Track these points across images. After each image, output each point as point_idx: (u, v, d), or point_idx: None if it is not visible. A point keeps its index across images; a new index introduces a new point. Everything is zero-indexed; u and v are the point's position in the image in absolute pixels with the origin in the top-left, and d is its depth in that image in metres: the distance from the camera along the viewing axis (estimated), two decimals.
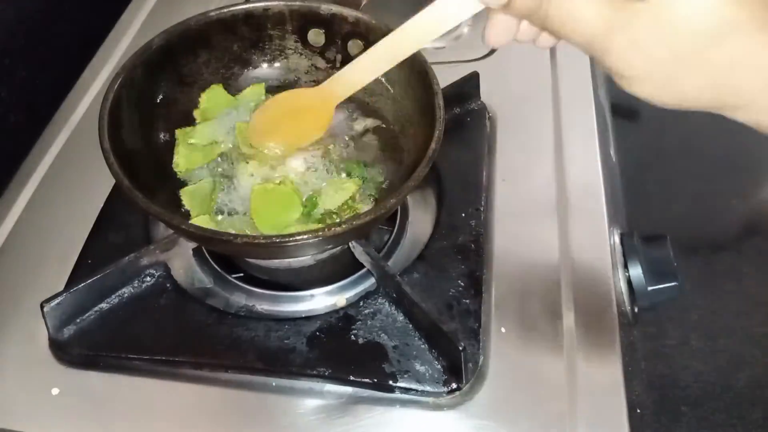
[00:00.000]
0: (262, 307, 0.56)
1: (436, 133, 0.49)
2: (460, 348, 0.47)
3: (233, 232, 0.52)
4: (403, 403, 0.49)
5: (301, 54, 0.62)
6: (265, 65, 0.62)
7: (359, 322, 0.52)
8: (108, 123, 0.49)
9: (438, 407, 0.49)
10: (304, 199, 0.54)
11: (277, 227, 0.53)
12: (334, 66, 0.61)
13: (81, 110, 0.74)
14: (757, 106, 0.34)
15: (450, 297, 0.53)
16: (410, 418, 0.49)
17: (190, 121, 0.60)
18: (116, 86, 0.51)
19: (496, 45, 0.41)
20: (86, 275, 0.53)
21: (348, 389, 0.50)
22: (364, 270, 0.56)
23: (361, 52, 0.59)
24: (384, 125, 0.60)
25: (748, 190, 0.91)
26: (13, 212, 0.64)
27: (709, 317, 0.78)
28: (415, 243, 0.59)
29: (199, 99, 0.60)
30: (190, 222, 0.52)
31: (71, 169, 0.68)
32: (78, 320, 0.53)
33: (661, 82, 0.34)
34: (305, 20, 0.60)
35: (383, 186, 0.56)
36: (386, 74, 0.59)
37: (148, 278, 0.55)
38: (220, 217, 0.54)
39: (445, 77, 0.57)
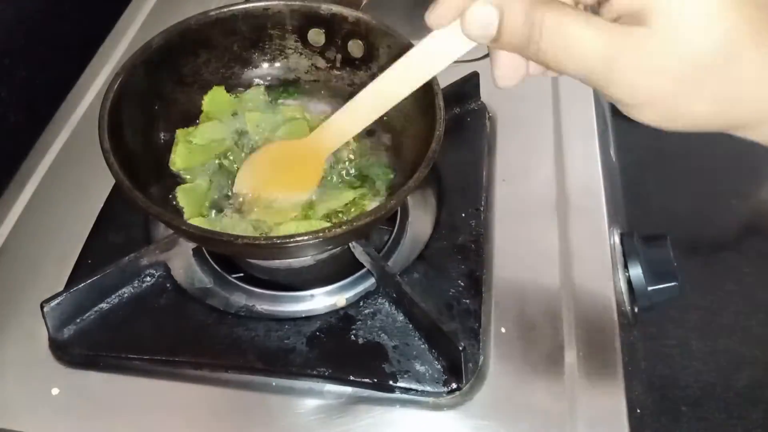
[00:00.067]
0: (262, 307, 0.56)
1: (436, 133, 0.49)
2: (460, 348, 0.47)
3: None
4: (403, 403, 0.49)
5: (301, 54, 0.62)
6: (265, 65, 0.62)
7: (359, 322, 0.52)
8: (108, 123, 0.49)
9: (438, 407, 0.49)
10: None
11: (276, 218, 0.53)
12: (334, 66, 0.61)
13: (81, 110, 0.74)
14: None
15: (450, 297, 0.53)
16: (410, 418, 0.49)
17: (190, 121, 0.60)
18: (116, 86, 0.51)
19: (508, 86, 0.39)
20: (86, 275, 0.53)
21: (348, 389, 0.50)
22: (364, 270, 0.56)
23: (360, 52, 0.59)
24: (383, 125, 0.60)
25: (748, 190, 0.91)
26: (13, 212, 0.64)
27: (709, 317, 0.78)
28: (415, 243, 0.59)
29: (202, 102, 0.60)
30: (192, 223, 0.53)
31: (71, 169, 0.68)
32: (78, 320, 0.53)
33: (668, 108, 0.33)
34: (305, 20, 0.60)
35: (393, 182, 0.56)
36: None
37: (148, 278, 0.55)
38: (213, 215, 0.54)
39: (445, 77, 0.57)
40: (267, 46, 0.61)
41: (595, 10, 0.35)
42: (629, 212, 0.69)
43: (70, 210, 0.63)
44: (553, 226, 0.58)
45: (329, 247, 0.54)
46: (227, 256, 0.59)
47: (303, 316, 0.53)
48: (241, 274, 0.58)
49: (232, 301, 0.56)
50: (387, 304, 0.53)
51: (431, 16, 0.37)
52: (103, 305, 0.54)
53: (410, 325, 0.51)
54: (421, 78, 0.44)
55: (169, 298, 0.54)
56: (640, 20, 0.31)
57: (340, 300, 0.55)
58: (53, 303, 0.51)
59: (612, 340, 0.51)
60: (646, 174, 0.87)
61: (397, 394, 0.49)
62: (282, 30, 0.60)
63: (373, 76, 0.59)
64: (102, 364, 0.52)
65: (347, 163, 0.58)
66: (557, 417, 0.48)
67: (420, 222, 0.60)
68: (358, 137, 0.59)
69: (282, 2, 0.59)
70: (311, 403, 0.50)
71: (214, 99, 0.61)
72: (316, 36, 0.60)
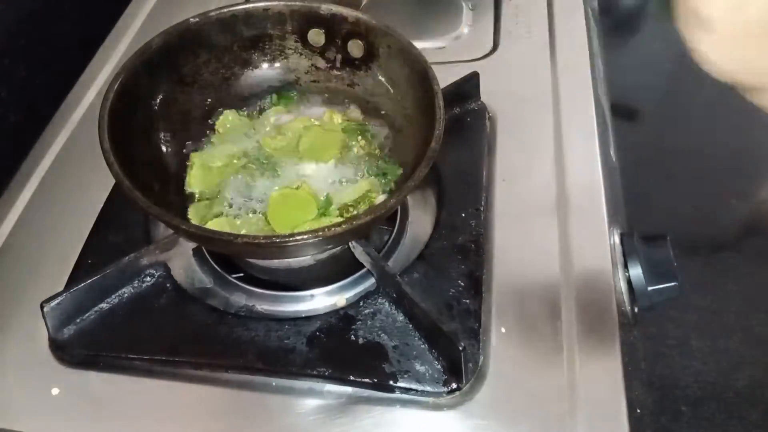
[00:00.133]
0: (262, 307, 0.56)
1: (436, 133, 0.49)
2: (460, 348, 0.47)
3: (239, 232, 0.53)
4: (403, 403, 0.49)
5: (301, 54, 0.62)
6: (265, 65, 0.62)
7: (359, 322, 0.52)
8: (108, 123, 0.49)
9: (438, 407, 0.49)
10: (322, 199, 0.56)
11: (293, 226, 0.53)
12: (334, 66, 0.61)
13: (81, 110, 0.74)
14: None
15: (450, 297, 0.53)
16: (410, 418, 0.49)
17: (190, 122, 0.60)
18: (116, 86, 0.51)
19: None
20: (86, 275, 0.53)
21: (348, 389, 0.50)
22: (364, 270, 0.56)
23: (360, 52, 0.59)
24: (383, 125, 0.60)
25: (748, 190, 0.91)
26: (13, 212, 0.64)
27: (709, 317, 0.78)
28: (415, 243, 0.59)
29: (202, 102, 0.61)
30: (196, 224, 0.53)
31: (71, 169, 0.68)
32: (78, 320, 0.53)
33: None
34: (305, 20, 0.60)
35: (401, 177, 0.57)
36: (386, 74, 0.59)
37: (148, 278, 0.55)
38: (236, 221, 0.55)
39: (445, 77, 0.57)
40: (267, 47, 0.62)
41: None
42: (629, 212, 0.69)
43: (70, 210, 0.63)
44: (553, 226, 0.58)
45: (329, 247, 0.54)
46: (227, 256, 0.59)
47: (303, 316, 0.53)
48: (241, 274, 0.58)
49: (232, 301, 0.56)
50: (387, 304, 0.53)
51: None
52: (103, 305, 0.54)
53: (410, 325, 0.51)
54: None
55: (169, 298, 0.54)
56: None
57: (340, 300, 0.55)
58: (53, 303, 0.51)
59: (612, 340, 0.51)
60: (646, 174, 0.87)
61: (397, 394, 0.49)
62: (282, 30, 0.61)
63: (373, 76, 0.60)
64: (102, 364, 0.52)
65: (358, 157, 0.59)
66: (557, 417, 0.48)
67: (420, 222, 0.60)
68: (367, 133, 0.60)
69: (282, 2, 0.59)
70: (311, 403, 0.50)
71: (226, 121, 0.61)
72: (316, 36, 0.60)
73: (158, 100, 0.57)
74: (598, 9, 0.87)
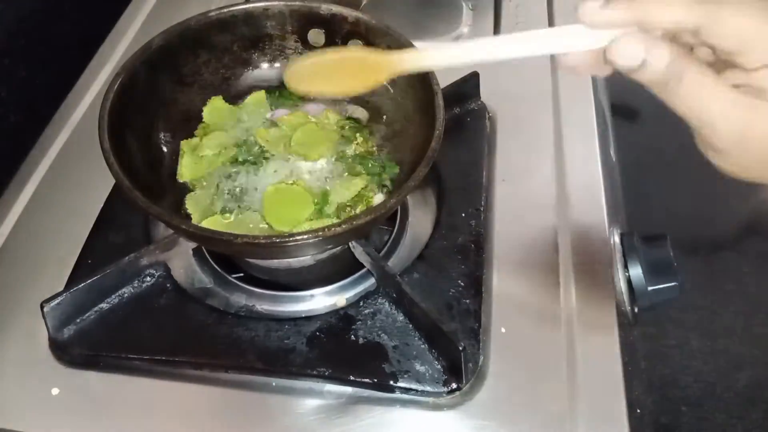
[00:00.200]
0: (262, 307, 0.56)
1: (436, 133, 0.49)
2: (460, 348, 0.47)
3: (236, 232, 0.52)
4: (403, 403, 0.49)
5: (301, 54, 0.62)
6: (265, 65, 0.62)
7: (359, 322, 0.52)
8: (108, 123, 0.49)
9: (438, 407, 0.49)
10: (315, 199, 0.55)
11: (290, 224, 0.53)
12: None
13: (81, 110, 0.74)
14: None
15: (450, 297, 0.53)
16: (410, 418, 0.49)
17: (190, 121, 0.60)
18: (116, 86, 0.51)
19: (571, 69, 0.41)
20: (86, 275, 0.53)
21: (348, 389, 0.50)
22: (364, 270, 0.56)
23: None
24: (382, 124, 0.60)
25: (748, 190, 0.91)
26: (13, 212, 0.64)
27: (709, 317, 0.78)
28: (415, 243, 0.59)
29: (202, 102, 0.61)
30: (193, 223, 0.53)
31: (71, 169, 0.68)
32: (78, 320, 0.53)
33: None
34: (305, 20, 0.60)
35: (399, 175, 0.57)
36: None
37: (148, 278, 0.55)
38: (231, 218, 0.55)
39: (445, 77, 0.57)
40: (267, 47, 0.62)
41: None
42: (629, 212, 0.69)
43: (70, 210, 0.63)
44: (553, 226, 0.58)
45: (329, 247, 0.54)
46: (227, 256, 0.59)
47: (303, 316, 0.53)
48: (241, 274, 0.58)
49: (232, 301, 0.56)
50: (387, 304, 0.53)
51: (586, 12, 0.37)
52: (103, 305, 0.54)
53: (410, 325, 0.51)
54: (534, 51, 0.43)
55: (169, 298, 0.54)
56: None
57: (340, 300, 0.55)
58: (53, 303, 0.51)
59: (612, 340, 0.51)
60: (646, 174, 0.87)
61: (397, 394, 0.49)
62: (282, 30, 0.61)
63: None
64: (102, 364, 0.52)
65: (354, 154, 0.59)
66: (557, 417, 0.48)
67: (420, 222, 0.60)
68: (365, 131, 0.60)
69: (282, 2, 0.59)
70: (311, 403, 0.50)
71: (214, 109, 0.61)
72: (316, 36, 0.60)
73: (158, 100, 0.57)
74: None
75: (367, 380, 0.49)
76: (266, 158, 0.58)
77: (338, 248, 0.56)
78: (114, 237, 0.59)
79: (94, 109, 0.57)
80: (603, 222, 0.59)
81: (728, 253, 0.84)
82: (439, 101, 0.51)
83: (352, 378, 0.49)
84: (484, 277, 0.55)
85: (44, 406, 0.50)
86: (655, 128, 0.90)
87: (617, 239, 0.59)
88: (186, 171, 0.57)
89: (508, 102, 0.69)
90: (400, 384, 0.49)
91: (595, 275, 0.55)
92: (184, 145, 0.59)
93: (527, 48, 0.42)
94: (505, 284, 0.55)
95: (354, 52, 0.48)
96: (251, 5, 0.59)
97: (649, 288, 0.56)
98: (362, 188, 0.56)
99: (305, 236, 0.44)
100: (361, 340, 0.51)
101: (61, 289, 0.53)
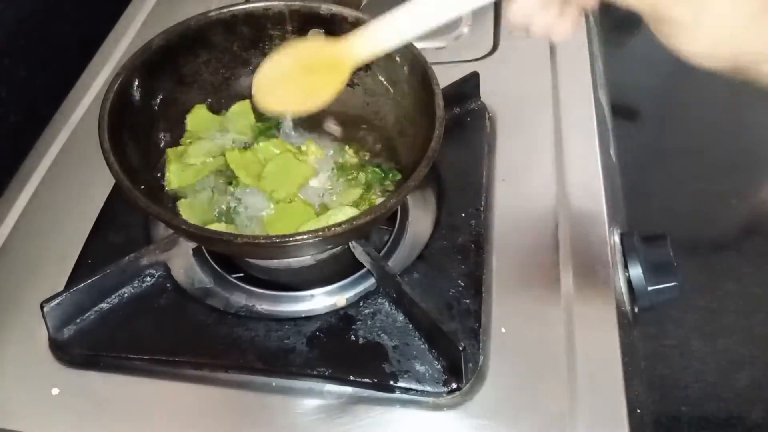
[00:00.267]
0: (262, 307, 0.56)
1: (436, 133, 0.49)
2: (460, 348, 0.47)
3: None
4: (403, 403, 0.49)
5: None
6: None
7: (359, 322, 0.52)
8: (108, 123, 0.49)
9: (438, 407, 0.49)
10: (317, 207, 0.55)
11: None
12: None
13: (81, 110, 0.74)
14: None
15: (450, 297, 0.53)
16: (410, 418, 0.49)
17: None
18: (116, 86, 0.52)
19: (516, 26, 0.40)
20: (86, 275, 0.53)
21: (348, 389, 0.50)
22: (364, 270, 0.56)
23: None
24: (382, 125, 0.60)
25: (748, 190, 0.90)
26: (13, 212, 0.64)
27: (709, 317, 0.78)
28: (415, 243, 0.59)
29: (185, 122, 0.60)
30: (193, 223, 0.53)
31: (71, 169, 0.68)
32: (78, 320, 0.53)
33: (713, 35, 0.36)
34: (305, 20, 0.60)
35: (399, 178, 0.57)
36: (386, 74, 0.59)
37: (148, 278, 0.55)
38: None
39: (445, 77, 0.57)
40: (267, 47, 0.61)
41: None
42: (629, 212, 0.69)
43: (70, 210, 0.63)
44: (553, 226, 0.58)
45: (329, 247, 0.54)
46: (227, 256, 0.59)
47: (303, 316, 0.53)
48: (241, 274, 0.58)
49: (232, 301, 0.56)
50: (387, 304, 0.53)
51: None
52: (103, 305, 0.54)
53: (410, 325, 0.51)
54: (461, 7, 0.42)
55: (169, 298, 0.54)
56: None
57: (340, 300, 0.55)
58: (53, 303, 0.51)
59: (612, 339, 0.51)
60: (646, 174, 0.87)
61: (397, 394, 0.49)
62: (282, 30, 0.60)
63: (373, 76, 0.60)
64: (102, 364, 0.52)
65: (354, 162, 0.59)
66: (557, 417, 0.48)
67: (420, 222, 0.60)
68: (361, 140, 0.59)
69: (282, 2, 0.59)
70: (311, 403, 0.50)
71: (196, 117, 0.60)
72: (316, 36, 0.60)
73: (158, 100, 0.58)
74: (598, 9, 0.87)
75: (367, 380, 0.49)
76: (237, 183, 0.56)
77: (338, 248, 0.56)
78: (114, 237, 0.59)
79: (94, 109, 0.57)
80: (603, 222, 0.59)
81: (728, 253, 0.84)
82: (439, 101, 0.51)
83: (352, 378, 0.49)
84: (484, 277, 0.55)
85: (44, 406, 0.50)
86: (655, 128, 0.90)
87: (617, 239, 0.59)
88: (174, 178, 0.57)
89: (508, 102, 0.69)
90: (400, 384, 0.49)
91: (595, 275, 0.55)
92: (171, 153, 0.58)
93: (456, 6, 0.42)
94: (505, 284, 0.55)
95: (308, 47, 0.48)
96: (251, 5, 0.59)
97: (649, 288, 0.56)
98: (360, 195, 0.56)
99: (305, 236, 0.44)
100: (361, 340, 0.51)
101: (61, 289, 0.53)
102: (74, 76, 0.78)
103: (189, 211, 0.55)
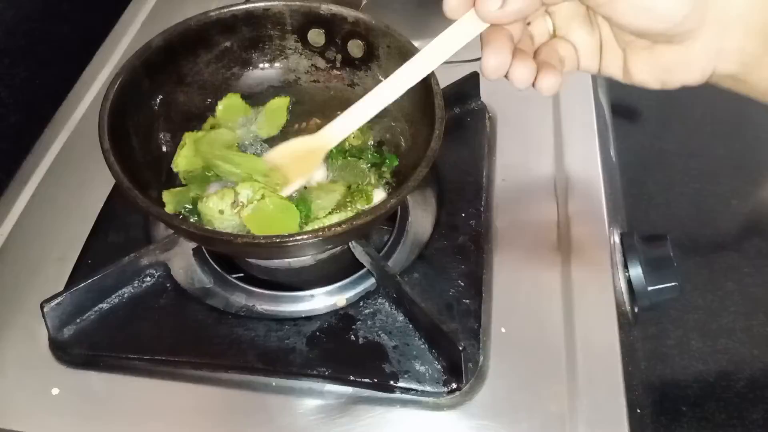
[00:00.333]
0: (262, 307, 0.56)
1: (436, 133, 0.49)
2: (460, 348, 0.47)
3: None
4: (403, 403, 0.49)
5: (301, 54, 0.62)
6: (265, 65, 0.62)
7: (359, 322, 0.52)
8: (108, 123, 0.49)
9: (438, 407, 0.49)
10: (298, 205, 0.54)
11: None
12: (334, 66, 0.61)
13: (81, 110, 0.74)
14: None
15: (450, 297, 0.53)
16: (410, 418, 0.49)
17: (190, 121, 0.60)
18: (116, 86, 0.51)
19: (495, 76, 0.44)
20: (86, 275, 0.53)
21: (348, 389, 0.50)
22: (364, 270, 0.56)
23: (360, 52, 0.59)
24: (382, 125, 0.60)
25: (748, 190, 0.91)
26: (13, 212, 0.64)
27: (709, 317, 0.78)
28: (415, 243, 0.59)
29: (202, 102, 0.60)
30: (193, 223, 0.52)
31: (71, 169, 0.68)
32: (78, 320, 0.53)
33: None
34: (305, 20, 0.60)
35: (399, 175, 0.56)
36: (386, 74, 0.59)
37: (148, 278, 0.55)
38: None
39: (445, 77, 0.57)
40: (267, 47, 0.61)
41: None
42: (629, 212, 0.69)
43: (70, 210, 0.63)
44: (553, 227, 0.58)
45: (329, 247, 0.54)
46: (227, 256, 0.59)
47: (303, 316, 0.53)
48: (241, 274, 0.58)
49: (232, 301, 0.56)
50: (387, 304, 0.53)
51: (447, 7, 0.41)
52: (103, 305, 0.54)
53: (410, 325, 0.51)
54: (424, 71, 0.46)
55: (169, 298, 0.54)
56: None
57: (340, 300, 0.55)
58: (53, 303, 0.51)
59: (612, 340, 0.51)
60: (646, 174, 0.87)
61: (398, 394, 0.49)
62: (282, 30, 0.60)
63: (373, 76, 0.60)
64: (102, 364, 0.52)
65: (351, 146, 0.59)
66: (557, 417, 0.48)
67: (420, 222, 0.60)
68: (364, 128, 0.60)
69: (282, 2, 0.59)
70: (311, 403, 0.50)
71: (229, 105, 0.60)
72: (316, 36, 0.60)
73: (158, 100, 0.57)
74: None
75: (367, 380, 0.49)
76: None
77: (338, 248, 0.56)
78: (114, 237, 0.59)
79: (94, 109, 0.57)
80: (603, 222, 0.59)
81: (728, 253, 0.84)
82: (439, 101, 0.51)
83: (352, 378, 0.49)
84: (484, 277, 0.55)
85: (44, 406, 0.50)
86: (655, 128, 0.90)
87: (617, 239, 0.59)
88: (182, 162, 0.56)
89: (508, 102, 0.69)
90: (400, 384, 0.49)
91: (595, 275, 0.55)
92: (188, 136, 0.58)
93: (419, 74, 0.46)
94: (505, 284, 0.55)
95: (297, 142, 0.53)
96: (251, 5, 0.59)
97: (649, 288, 0.56)
98: (342, 196, 0.55)
99: (305, 236, 0.44)
100: (361, 340, 0.51)
101: (61, 289, 0.53)
102: (74, 76, 0.78)
103: (171, 201, 0.54)
